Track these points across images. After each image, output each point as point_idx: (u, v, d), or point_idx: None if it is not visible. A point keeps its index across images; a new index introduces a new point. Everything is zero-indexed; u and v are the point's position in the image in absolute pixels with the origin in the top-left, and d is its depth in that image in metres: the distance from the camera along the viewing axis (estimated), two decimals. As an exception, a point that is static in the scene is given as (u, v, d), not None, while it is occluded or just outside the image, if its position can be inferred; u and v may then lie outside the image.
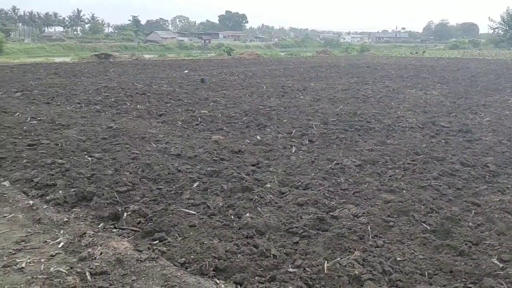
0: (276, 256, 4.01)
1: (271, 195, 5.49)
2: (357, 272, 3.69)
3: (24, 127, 9.19)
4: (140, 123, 10.15)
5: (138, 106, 12.44)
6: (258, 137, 8.82)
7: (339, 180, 6.16)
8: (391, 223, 4.77)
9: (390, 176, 6.45)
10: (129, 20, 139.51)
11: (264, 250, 4.04)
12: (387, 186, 5.95)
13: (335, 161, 7.05)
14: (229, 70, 25.91)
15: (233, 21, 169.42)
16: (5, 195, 5.28)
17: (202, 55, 52.73)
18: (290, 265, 3.86)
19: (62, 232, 4.39)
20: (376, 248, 4.22)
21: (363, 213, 4.98)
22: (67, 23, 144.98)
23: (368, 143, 8.45)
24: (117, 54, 40.56)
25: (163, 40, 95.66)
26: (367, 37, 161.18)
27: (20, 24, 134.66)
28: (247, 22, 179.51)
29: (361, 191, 5.75)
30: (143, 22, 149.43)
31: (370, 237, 4.44)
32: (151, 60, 37.11)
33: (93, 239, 4.15)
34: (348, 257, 3.95)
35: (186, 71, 24.89)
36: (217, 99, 13.93)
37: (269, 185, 5.86)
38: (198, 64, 32.06)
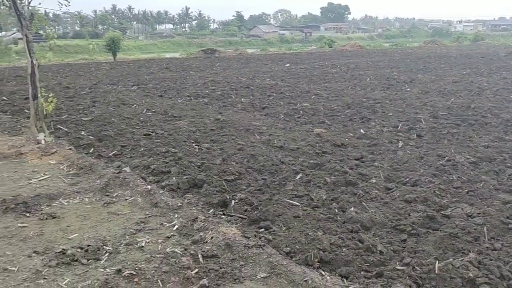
0: (382, 252, 3.92)
1: (376, 191, 5.35)
2: (471, 275, 3.47)
3: (141, 118, 9.99)
4: (244, 115, 10.48)
5: (242, 99, 12.83)
6: (362, 131, 8.63)
7: (451, 178, 5.81)
8: (510, 225, 4.39)
9: (509, 175, 5.93)
10: (233, 16, 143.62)
11: (370, 246, 3.97)
12: (506, 186, 5.49)
13: (446, 158, 6.65)
14: (331, 63, 25.60)
15: (335, 12, 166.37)
16: (127, 179, 5.80)
17: (303, 48, 52.69)
18: (398, 263, 3.75)
19: (176, 216, 4.72)
20: (493, 251, 3.93)
21: (478, 213, 4.65)
22: (176, 20, 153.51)
23: (483, 139, 7.83)
24: (222, 49, 42.13)
25: (264, 35, 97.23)
26: (481, 25, 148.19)
27: (135, 22, 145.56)
28: (349, 13, 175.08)
29: (476, 190, 5.36)
30: (246, 17, 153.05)
31: (486, 239, 4.14)
32: (254, 55, 37.98)
33: (204, 224, 4.40)
34: (461, 258, 3.72)
35: (288, 65, 25.07)
36: (319, 92, 13.86)
37: (374, 180, 5.72)
38: (299, 57, 32.12)
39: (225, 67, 23.87)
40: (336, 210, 4.83)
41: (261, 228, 4.45)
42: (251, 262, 3.74)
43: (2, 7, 8.29)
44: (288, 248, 3.99)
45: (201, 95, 13.59)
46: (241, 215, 4.77)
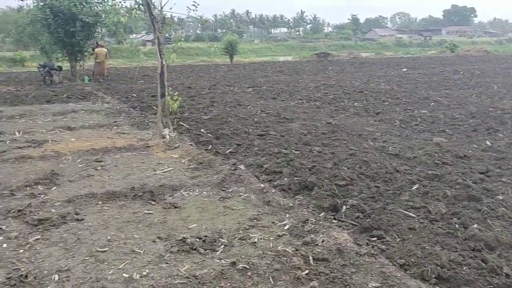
0: (509, 275, 3.59)
1: (503, 208, 4.90)
2: None
3: (255, 119, 10.32)
4: (357, 120, 10.28)
5: (355, 103, 12.61)
6: (488, 143, 7.96)
7: None
8: None
9: None
10: (348, 19, 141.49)
11: (495, 267, 3.65)
12: None
13: None
14: (453, 68, 23.99)
15: (459, 15, 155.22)
16: (241, 176, 6.04)
17: (422, 52, 50.09)
18: (528, 289, 3.41)
19: (287, 215, 4.80)
20: None
21: None
22: (291, 24, 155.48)
23: None
24: (335, 53, 41.75)
25: (380, 38, 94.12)
26: None
27: (251, 26, 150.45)
28: (475, 16, 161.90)
29: None
30: (362, 20, 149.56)
31: None
32: (368, 58, 37.09)
33: (315, 226, 4.41)
34: None
35: (405, 69, 24.05)
36: (439, 99, 13.08)
37: (501, 197, 5.25)
38: (417, 62, 30.62)
39: (338, 71, 23.63)
40: (457, 226, 4.53)
41: (374, 236, 4.34)
42: (362, 270, 3.67)
43: (136, 11, 9.08)
44: (402, 260, 3.83)
45: (313, 99, 13.62)
46: (352, 222, 4.69)
